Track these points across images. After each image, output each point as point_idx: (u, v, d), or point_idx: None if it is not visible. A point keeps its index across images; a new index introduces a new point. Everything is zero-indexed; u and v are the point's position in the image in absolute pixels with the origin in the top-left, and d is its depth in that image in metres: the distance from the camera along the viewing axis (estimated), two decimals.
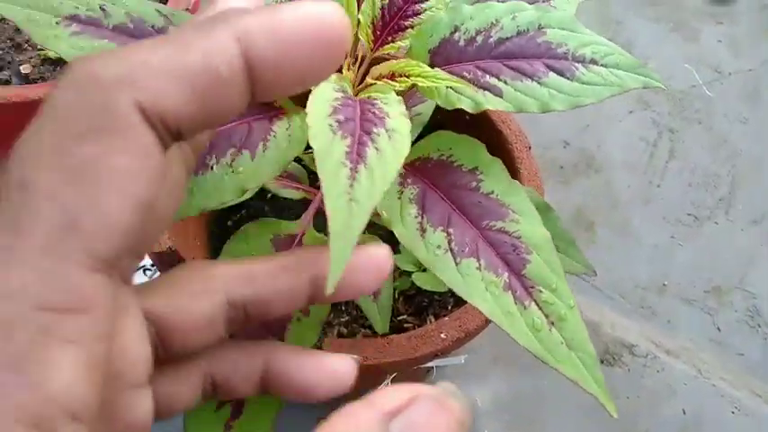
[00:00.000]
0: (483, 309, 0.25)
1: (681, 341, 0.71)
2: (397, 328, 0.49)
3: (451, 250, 0.26)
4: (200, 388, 0.23)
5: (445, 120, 0.31)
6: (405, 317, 0.49)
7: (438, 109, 0.38)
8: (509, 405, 0.64)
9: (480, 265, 0.26)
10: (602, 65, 0.29)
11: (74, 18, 0.29)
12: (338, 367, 0.23)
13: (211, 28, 0.17)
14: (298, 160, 0.39)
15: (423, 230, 0.27)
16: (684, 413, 0.65)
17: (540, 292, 0.25)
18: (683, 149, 0.88)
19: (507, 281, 0.25)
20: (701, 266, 0.77)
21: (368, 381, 0.48)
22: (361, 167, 0.22)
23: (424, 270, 0.47)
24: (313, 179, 0.48)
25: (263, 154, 0.27)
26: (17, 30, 0.56)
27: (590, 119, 0.89)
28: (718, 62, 0.97)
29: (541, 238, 0.26)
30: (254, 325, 0.23)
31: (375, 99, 0.26)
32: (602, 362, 0.67)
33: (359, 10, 0.31)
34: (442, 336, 0.39)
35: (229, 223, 0.53)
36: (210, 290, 0.21)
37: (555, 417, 0.64)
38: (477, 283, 0.25)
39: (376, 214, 0.42)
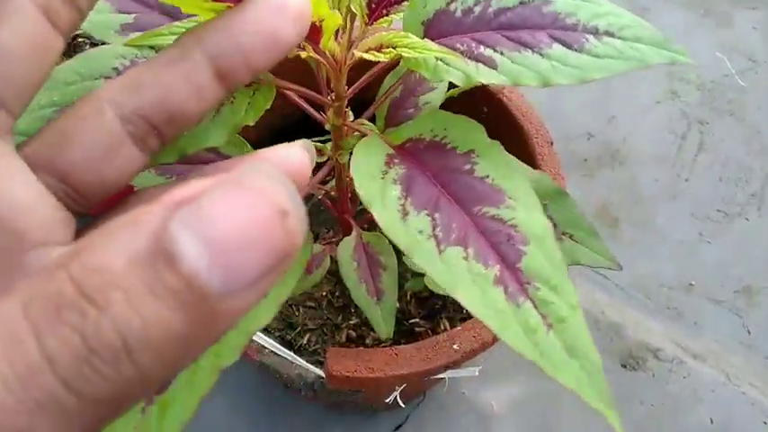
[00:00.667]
0: (467, 304, 0.22)
1: (708, 343, 0.68)
2: (408, 332, 0.46)
3: (435, 236, 0.23)
4: None
5: (461, 113, 0.28)
6: (417, 320, 0.47)
7: (453, 102, 0.36)
8: (526, 409, 0.61)
9: (467, 254, 0.23)
10: (618, 37, 0.26)
11: None
12: None
13: None
14: None
15: (404, 213, 0.24)
16: (712, 422, 0.62)
17: (537, 288, 0.22)
18: (714, 142, 0.84)
19: (498, 274, 0.22)
20: (730, 265, 0.74)
21: (375, 392, 0.46)
22: None
23: None
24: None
25: (212, 119, 0.25)
26: None
27: (616, 110, 0.85)
28: (752, 50, 0.93)
29: (541, 227, 0.23)
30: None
31: None
32: (624, 366, 0.64)
33: None
34: (455, 347, 0.36)
35: None
36: (92, 112, 0.18)
37: (573, 422, 0.61)
38: (463, 275, 0.22)
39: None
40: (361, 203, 0.50)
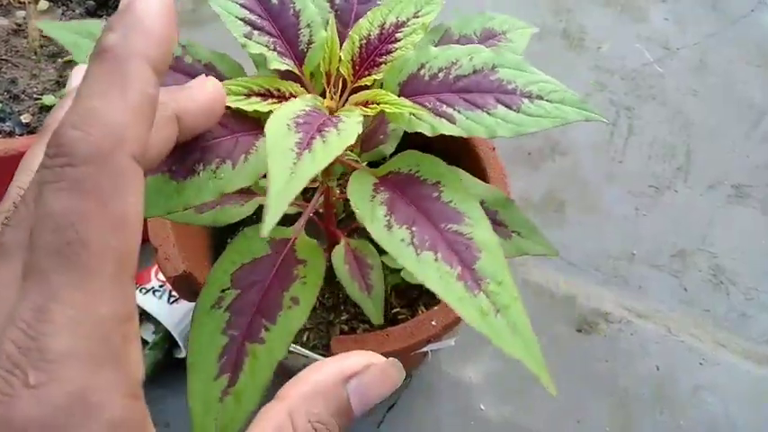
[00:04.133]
0: (438, 293, 0.29)
1: (652, 304, 0.77)
2: (393, 319, 0.54)
3: (413, 243, 0.30)
4: None
5: (418, 132, 0.36)
6: (398, 309, 0.55)
7: None
8: (500, 379, 0.70)
9: (437, 257, 0.30)
10: (547, 100, 0.33)
11: None
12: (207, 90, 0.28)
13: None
14: None
15: (389, 227, 0.31)
16: (658, 369, 0.72)
17: (488, 283, 0.30)
18: (641, 125, 0.94)
19: (460, 272, 0.30)
20: (665, 233, 0.83)
21: None
22: (305, 152, 0.27)
23: None
24: (305, 194, 0.53)
25: (243, 165, 0.31)
26: (12, 82, 0.60)
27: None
28: (666, 39, 1.03)
29: (490, 240, 0.31)
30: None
31: (340, 114, 0.31)
32: (580, 331, 0.74)
33: (341, 48, 0.37)
34: (433, 323, 0.44)
35: (229, 240, 0.58)
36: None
37: (542, 385, 0.69)
38: (433, 272, 0.30)
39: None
40: (341, 217, 0.58)
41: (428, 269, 0.30)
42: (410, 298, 0.56)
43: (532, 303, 0.75)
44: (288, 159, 0.26)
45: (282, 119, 0.29)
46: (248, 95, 0.33)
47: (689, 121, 0.94)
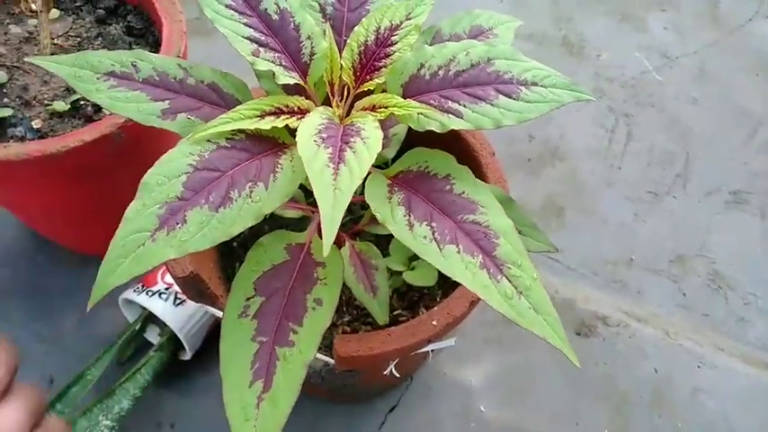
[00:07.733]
0: (465, 283, 0.31)
1: (650, 308, 0.78)
2: (393, 321, 0.55)
3: (435, 239, 0.32)
4: None
5: (419, 135, 0.37)
6: (400, 311, 0.56)
7: (411, 129, 0.45)
8: (500, 381, 0.71)
9: (459, 249, 0.32)
10: (541, 86, 0.35)
11: (111, 74, 0.36)
12: None
13: None
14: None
15: (411, 225, 0.33)
16: (656, 372, 0.72)
17: (509, 268, 0.31)
18: (639, 132, 0.95)
19: (482, 261, 0.31)
20: (663, 239, 0.84)
21: (375, 367, 0.55)
22: (341, 166, 0.29)
23: (413, 269, 0.53)
24: (310, 199, 0.55)
25: (274, 184, 0.33)
26: (24, 88, 0.62)
27: (550, 112, 0.95)
28: (666, 48, 1.05)
29: (506, 225, 0.32)
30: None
31: (355, 122, 0.33)
32: (578, 334, 0.74)
33: (341, 56, 0.38)
34: (434, 323, 0.45)
35: (234, 244, 0.59)
36: None
37: (542, 387, 0.70)
38: (458, 264, 0.31)
39: (375, 220, 0.48)
40: (343, 221, 0.59)
41: (454, 262, 0.31)
42: (411, 300, 0.57)
43: None
44: (327, 176, 0.28)
45: (308, 136, 0.30)
46: (262, 116, 0.34)
47: (688, 128, 0.95)
